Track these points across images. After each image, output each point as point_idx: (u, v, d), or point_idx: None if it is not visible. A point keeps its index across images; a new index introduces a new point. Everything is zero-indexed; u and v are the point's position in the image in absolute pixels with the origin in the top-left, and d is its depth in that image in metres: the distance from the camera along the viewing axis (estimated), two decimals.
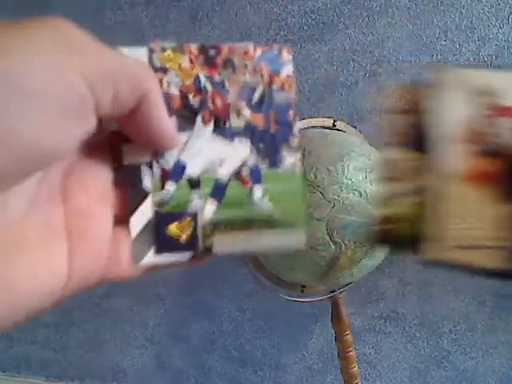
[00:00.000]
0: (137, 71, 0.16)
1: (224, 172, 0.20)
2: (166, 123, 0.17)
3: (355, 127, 0.73)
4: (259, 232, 0.20)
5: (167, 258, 0.19)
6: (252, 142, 0.20)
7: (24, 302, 0.14)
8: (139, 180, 0.19)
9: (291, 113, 0.21)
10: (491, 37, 0.69)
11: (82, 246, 0.16)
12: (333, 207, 0.48)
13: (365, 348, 0.84)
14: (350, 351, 0.67)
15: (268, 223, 0.20)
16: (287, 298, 0.63)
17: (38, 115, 0.12)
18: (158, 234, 0.19)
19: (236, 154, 0.20)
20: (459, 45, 0.70)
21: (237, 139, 0.20)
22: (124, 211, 0.19)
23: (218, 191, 0.20)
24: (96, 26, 0.82)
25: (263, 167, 0.20)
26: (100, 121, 0.16)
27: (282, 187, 0.20)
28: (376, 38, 0.73)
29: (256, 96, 0.21)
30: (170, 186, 0.19)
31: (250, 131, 0.20)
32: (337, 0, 0.73)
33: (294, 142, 0.21)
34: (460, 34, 0.70)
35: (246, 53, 0.21)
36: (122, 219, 0.19)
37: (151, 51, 0.20)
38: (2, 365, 1.06)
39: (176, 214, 0.19)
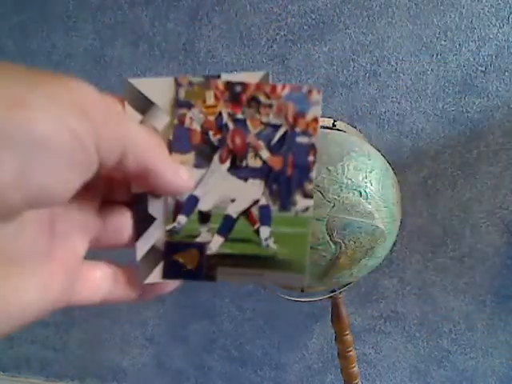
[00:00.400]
0: (145, 146, 0.17)
1: (234, 209, 0.21)
2: (173, 182, 0.19)
3: (355, 127, 0.73)
4: (262, 269, 0.21)
5: (171, 281, 0.21)
6: (266, 183, 0.21)
7: (14, 318, 0.15)
8: (145, 206, 0.20)
9: (311, 158, 0.21)
10: (491, 37, 0.69)
11: (56, 270, 0.17)
12: (333, 207, 0.48)
13: (365, 348, 0.84)
14: (350, 351, 0.67)
15: (271, 262, 0.21)
16: (287, 297, 0.63)
17: (50, 167, 0.14)
18: (166, 261, 0.20)
19: (248, 193, 0.21)
20: (459, 45, 0.70)
21: (251, 179, 0.21)
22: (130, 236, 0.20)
23: (226, 227, 0.21)
24: (96, 25, 0.82)
25: (274, 209, 0.20)
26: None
27: (289, 230, 0.21)
28: (376, 38, 0.73)
29: (277, 137, 0.21)
30: (182, 219, 0.20)
31: (265, 172, 0.21)
32: (337, 0, 0.73)
33: (309, 186, 0.21)
34: (460, 34, 0.70)
35: (273, 91, 0.20)
36: (130, 244, 0.20)
37: (179, 85, 0.20)
38: (2, 365, 1.06)
39: (184, 244, 0.20)
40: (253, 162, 0.20)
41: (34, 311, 0.16)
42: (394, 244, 0.57)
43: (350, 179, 0.48)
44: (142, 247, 0.20)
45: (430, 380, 0.83)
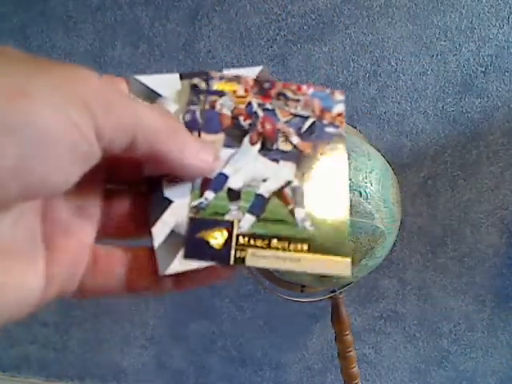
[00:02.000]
0: (156, 127, 0.16)
1: (266, 189, 0.20)
2: (192, 165, 0.18)
3: (355, 127, 0.73)
4: (298, 253, 0.19)
5: (194, 265, 0.18)
6: (298, 166, 0.20)
7: (7, 310, 0.15)
8: (160, 189, 0.19)
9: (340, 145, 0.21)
10: (491, 37, 0.69)
11: (58, 258, 0.16)
12: None
13: (365, 348, 0.84)
14: (350, 351, 0.67)
15: (310, 246, 0.19)
16: (287, 298, 0.63)
17: (50, 158, 0.13)
18: (189, 239, 0.18)
19: (280, 174, 0.20)
20: (459, 45, 0.70)
21: (282, 161, 0.20)
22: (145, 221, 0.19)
23: (258, 206, 0.19)
24: (96, 25, 0.82)
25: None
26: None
27: (326, 212, 0.19)
28: (376, 38, 0.73)
29: (306, 126, 0.21)
30: (209, 195, 0.19)
31: (296, 155, 0.20)
32: (337, 0, 0.73)
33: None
34: (460, 34, 0.70)
35: (299, 89, 0.21)
36: (141, 230, 0.19)
37: (210, 78, 0.21)
38: (2, 365, 1.06)
39: (211, 222, 0.19)
40: (283, 145, 0.20)
41: (35, 300, 0.15)
42: (394, 244, 0.57)
43: (350, 179, 0.48)
44: (160, 233, 0.18)
45: (429, 380, 0.83)
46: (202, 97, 0.21)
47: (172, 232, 0.18)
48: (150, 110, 0.16)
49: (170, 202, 0.19)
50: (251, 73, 0.21)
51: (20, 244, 0.15)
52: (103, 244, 0.18)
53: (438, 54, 0.71)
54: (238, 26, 0.77)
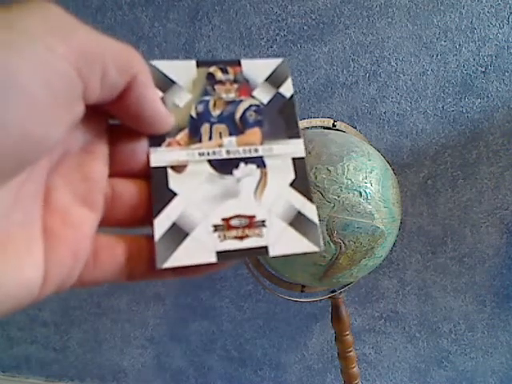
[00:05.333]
0: (125, 53, 0.16)
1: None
2: (159, 105, 0.17)
3: (355, 127, 0.73)
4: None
5: (192, 261, 0.18)
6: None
7: (6, 299, 0.14)
8: (165, 180, 0.19)
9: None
10: (491, 37, 0.69)
11: (57, 247, 0.15)
12: (333, 207, 0.48)
13: (365, 348, 0.84)
14: (350, 351, 0.67)
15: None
16: (287, 298, 0.63)
17: (25, 107, 0.12)
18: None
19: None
20: (459, 45, 0.70)
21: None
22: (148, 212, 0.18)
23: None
24: (96, 25, 0.82)
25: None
26: (90, 111, 0.15)
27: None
28: (376, 38, 0.73)
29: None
30: None
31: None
32: (337, 0, 0.73)
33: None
34: (460, 33, 0.70)
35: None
36: (143, 220, 0.18)
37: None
38: (2, 365, 1.06)
39: None
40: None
41: (34, 290, 0.14)
42: (394, 244, 0.57)
43: (350, 179, 0.48)
44: (161, 225, 0.18)
45: (429, 380, 0.83)
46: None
47: (174, 225, 0.18)
48: (112, 39, 0.16)
49: (174, 194, 0.19)
50: (269, 65, 0.21)
51: (17, 231, 0.14)
52: (103, 232, 0.18)
53: (437, 54, 0.71)
54: (237, 26, 0.77)
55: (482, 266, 0.76)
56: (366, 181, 0.49)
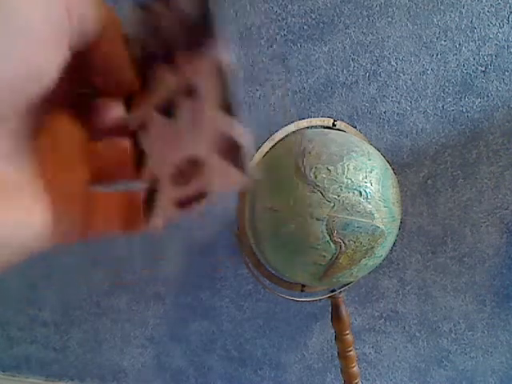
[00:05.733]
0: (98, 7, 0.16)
1: None
2: (126, 60, 0.17)
3: (355, 127, 0.73)
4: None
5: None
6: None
7: (7, 248, 0.14)
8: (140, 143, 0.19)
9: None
10: (491, 37, 0.69)
11: (56, 194, 0.16)
12: (333, 207, 0.48)
13: (365, 348, 0.84)
14: (350, 351, 0.67)
15: None
16: (287, 297, 0.63)
17: (27, 39, 0.12)
18: None
19: None
20: (459, 45, 0.70)
21: None
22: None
23: None
24: None
25: None
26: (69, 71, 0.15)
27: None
28: (376, 38, 0.73)
29: None
30: None
31: None
32: (337, 0, 0.73)
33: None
34: (460, 33, 0.70)
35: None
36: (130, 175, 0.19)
37: None
38: (2, 365, 1.06)
39: None
40: None
41: (36, 238, 0.15)
42: (394, 244, 0.57)
43: (350, 179, 0.48)
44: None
45: (429, 380, 0.83)
46: None
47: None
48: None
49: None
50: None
51: (16, 176, 0.14)
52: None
53: (437, 54, 0.71)
54: (237, 26, 0.77)
55: (482, 266, 0.76)
56: (366, 180, 0.49)
